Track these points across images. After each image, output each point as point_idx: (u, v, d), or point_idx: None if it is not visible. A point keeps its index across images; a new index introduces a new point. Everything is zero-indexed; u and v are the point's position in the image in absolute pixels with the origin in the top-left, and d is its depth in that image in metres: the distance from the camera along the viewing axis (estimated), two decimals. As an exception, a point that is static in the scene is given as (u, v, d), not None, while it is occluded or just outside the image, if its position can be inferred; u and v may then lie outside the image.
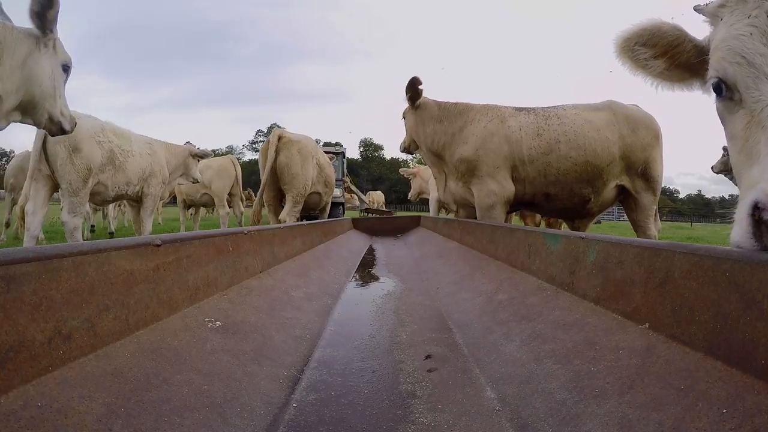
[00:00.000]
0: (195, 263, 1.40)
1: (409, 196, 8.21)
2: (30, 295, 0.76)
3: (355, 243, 5.28)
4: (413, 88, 3.10)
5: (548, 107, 2.83)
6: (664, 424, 0.75)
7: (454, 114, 2.96)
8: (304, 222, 3.97)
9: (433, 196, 7.15)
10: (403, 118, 3.32)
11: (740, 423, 0.66)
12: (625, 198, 2.95)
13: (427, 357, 1.46)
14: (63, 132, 2.41)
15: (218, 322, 1.32)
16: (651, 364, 0.91)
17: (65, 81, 2.38)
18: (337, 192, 11.27)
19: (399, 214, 17.21)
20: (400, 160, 67.36)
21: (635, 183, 2.85)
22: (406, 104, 3.31)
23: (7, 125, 2.13)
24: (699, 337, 0.87)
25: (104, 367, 0.85)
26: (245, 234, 1.93)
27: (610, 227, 14.82)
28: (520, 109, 2.80)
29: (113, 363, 0.88)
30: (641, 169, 2.84)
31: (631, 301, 1.15)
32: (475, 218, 3.09)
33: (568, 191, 2.72)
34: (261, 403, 1.04)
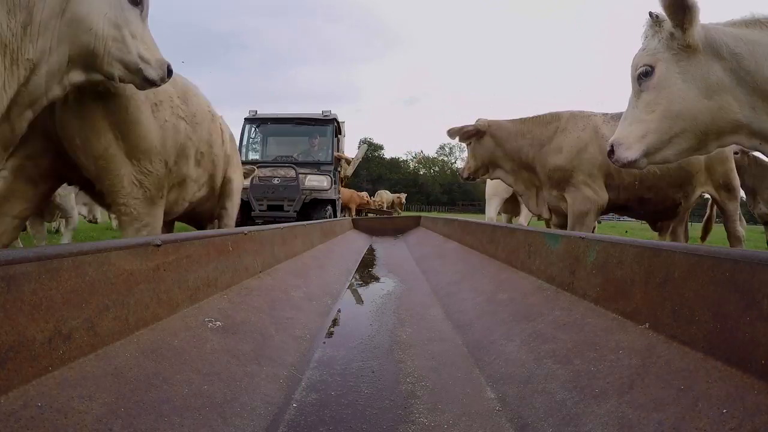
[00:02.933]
0: (195, 263, 1.40)
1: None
2: (30, 295, 0.76)
3: (355, 243, 5.28)
4: (470, 132, 3.18)
5: None
6: (664, 424, 0.75)
7: (540, 125, 3.00)
8: (305, 222, 3.95)
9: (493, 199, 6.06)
10: (468, 144, 3.30)
11: (740, 423, 0.66)
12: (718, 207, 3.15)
13: (427, 357, 1.46)
14: (150, 83, 1.80)
15: (218, 322, 1.32)
16: (651, 364, 0.91)
17: (143, 15, 1.81)
18: (324, 182, 7.00)
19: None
20: (400, 160, 67.59)
21: (720, 193, 2.99)
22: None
23: (65, 92, 1.65)
24: (699, 337, 0.87)
25: (104, 367, 0.85)
26: (245, 234, 1.93)
27: (610, 227, 14.82)
28: (612, 116, 2.83)
29: (113, 363, 0.88)
30: (722, 180, 2.95)
31: (631, 301, 1.15)
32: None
33: (662, 196, 2.82)
34: (261, 403, 1.04)
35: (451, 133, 3.30)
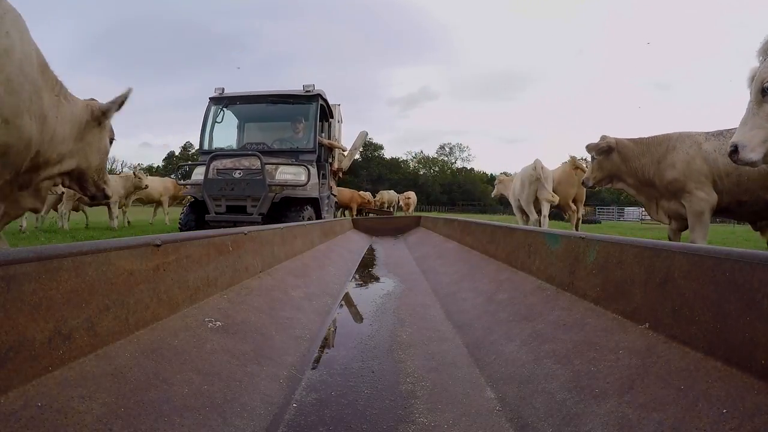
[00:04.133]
0: (195, 263, 1.40)
1: (492, 194, 8.95)
2: (30, 295, 0.76)
3: (355, 243, 5.28)
4: (604, 148, 3.68)
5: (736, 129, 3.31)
6: (664, 424, 0.75)
7: (654, 146, 3.53)
8: (305, 222, 3.95)
9: (514, 205, 7.29)
10: (595, 157, 3.77)
11: (740, 423, 0.66)
12: None
13: (427, 357, 1.46)
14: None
15: (218, 322, 1.32)
16: (651, 364, 0.91)
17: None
18: (301, 175, 5.25)
19: (398, 214, 17.17)
20: (400, 160, 67.59)
21: None
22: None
23: None
24: (699, 337, 0.87)
25: (104, 367, 0.85)
26: (245, 234, 1.93)
27: (610, 227, 14.80)
28: (711, 134, 3.40)
29: (113, 363, 0.88)
30: None
31: (631, 301, 1.15)
32: (685, 229, 3.57)
33: (755, 198, 3.24)
34: (261, 403, 1.04)
35: (589, 148, 3.78)
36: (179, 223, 5.48)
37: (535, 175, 6.10)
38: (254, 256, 2.00)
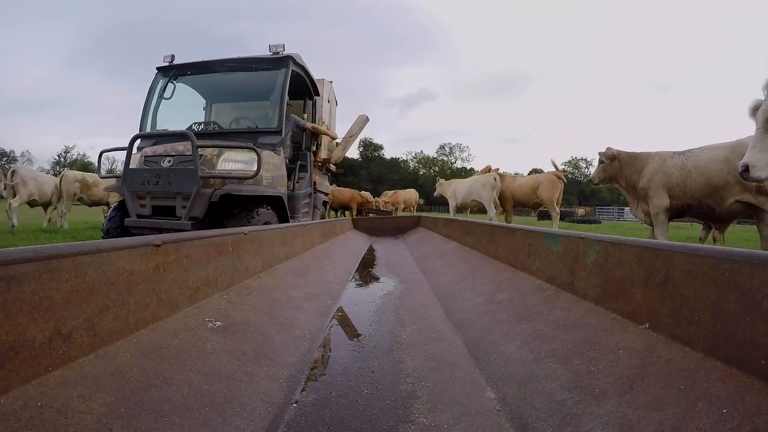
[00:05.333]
0: (195, 263, 1.40)
1: (435, 194, 10.52)
2: (30, 295, 0.76)
3: (355, 243, 5.28)
4: (610, 156, 4.77)
5: (694, 149, 4.18)
6: (664, 424, 0.75)
7: (638, 160, 4.59)
8: (305, 222, 3.94)
9: (451, 204, 9.24)
10: (602, 162, 4.84)
11: (740, 423, 0.66)
12: (754, 211, 3.83)
13: (427, 357, 1.46)
14: None
15: (218, 322, 1.32)
16: (651, 364, 0.91)
17: None
18: (252, 164, 3.58)
19: (398, 214, 17.15)
20: (400, 160, 67.64)
21: (758, 198, 3.67)
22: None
23: None
24: (699, 337, 0.87)
25: (104, 367, 0.85)
26: (245, 234, 1.93)
27: (610, 227, 14.80)
28: (676, 152, 4.30)
29: (113, 363, 0.88)
30: (756, 188, 3.69)
31: (631, 301, 1.15)
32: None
33: (698, 203, 4.04)
34: (261, 403, 1.04)
35: (600, 153, 4.88)
36: (102, 228, 4.00)
37: (496, 184, 8.12)
38: (254, 256, 2.00)
